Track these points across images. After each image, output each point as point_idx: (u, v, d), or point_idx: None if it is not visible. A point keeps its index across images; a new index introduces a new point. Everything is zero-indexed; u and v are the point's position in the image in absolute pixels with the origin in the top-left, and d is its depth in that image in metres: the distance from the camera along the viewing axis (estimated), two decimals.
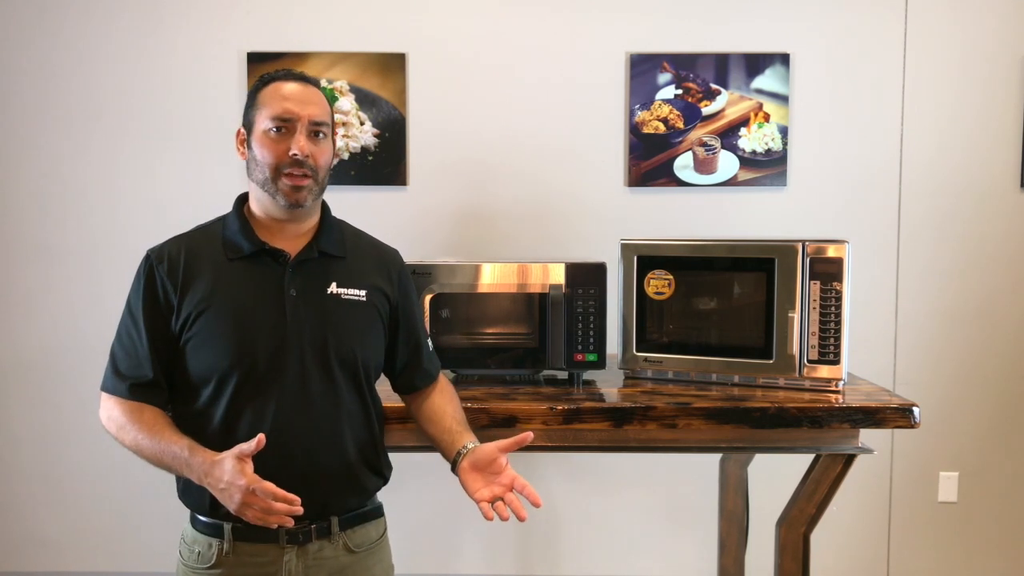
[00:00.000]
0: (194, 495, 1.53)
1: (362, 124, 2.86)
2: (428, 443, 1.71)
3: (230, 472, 1.40)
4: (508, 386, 2.03)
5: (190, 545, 1.57)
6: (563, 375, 2.14)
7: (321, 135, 1.56)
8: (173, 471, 1.50)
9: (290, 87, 1.56)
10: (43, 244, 2.90)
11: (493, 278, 2.09)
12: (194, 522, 1.57)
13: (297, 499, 1.41)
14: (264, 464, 1.46)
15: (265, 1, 2.85)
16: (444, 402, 1.72)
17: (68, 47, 2.85)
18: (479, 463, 1.54)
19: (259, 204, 1.59)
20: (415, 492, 2.91)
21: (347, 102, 2.85)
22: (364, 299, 1.60)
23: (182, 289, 1.53)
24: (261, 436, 1.41)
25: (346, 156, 2.87)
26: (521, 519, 1.49)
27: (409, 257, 1.77)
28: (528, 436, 1.53)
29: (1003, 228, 2.88)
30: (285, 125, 1.53)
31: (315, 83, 1.61)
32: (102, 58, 2.85)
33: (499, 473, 1.53)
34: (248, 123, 1.58)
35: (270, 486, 1.39)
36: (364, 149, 2.87)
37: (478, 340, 2.17)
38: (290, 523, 1.42)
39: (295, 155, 1.51)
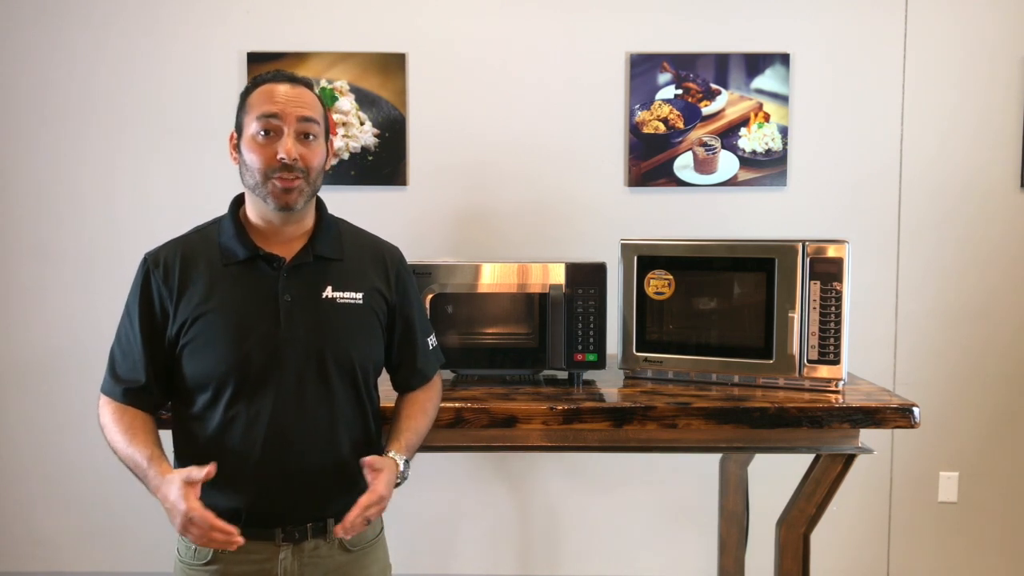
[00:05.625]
0: None
1: (362, 124, 2.86)
2: (428, 442, 1.72)
3: (175, 495, 1.41)
4: (508, 386, 2.03)
5: (187, 542, 1.57)
6: (563, 375, 2.14)
7: (311, 136, 1.55)
8: (137, 477, 1.51)
9: (279, 89, 1.54)
10: (40, 245, 2.90)
11: (493, 278, 2.09)
12: None
13: (235, 530, 1.41)
14: (259, 467, 1.51)
15: (265, 1, 2.85)
16: (414, 408, 1.71)
17: (66, 47, 2.85)
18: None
19: (253, 208, 1.59)
20: (415, 492, 2.91)
21: (347, 102, 2.85)
22: (360, 302, 1.60)
23: (177, 295, 1.54)
24: (212, 467, 1.43)
25: (346, 156, 2.86)
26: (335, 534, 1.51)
27: (409, 257, 1.77)
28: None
29: (1003, 228, 2.88)
30: (273, 128, 1.52)
31: (307, 83, 1.59)
32: (100, 58, 2.85)
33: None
34: (239, 126, 1.57)
35: (208, 517, 1.40)
36: (364, 149, 2.87)
37: (478, 340, 2.17)
38: (232, 548, 1.43)
39: (283, 159, 1.50)
